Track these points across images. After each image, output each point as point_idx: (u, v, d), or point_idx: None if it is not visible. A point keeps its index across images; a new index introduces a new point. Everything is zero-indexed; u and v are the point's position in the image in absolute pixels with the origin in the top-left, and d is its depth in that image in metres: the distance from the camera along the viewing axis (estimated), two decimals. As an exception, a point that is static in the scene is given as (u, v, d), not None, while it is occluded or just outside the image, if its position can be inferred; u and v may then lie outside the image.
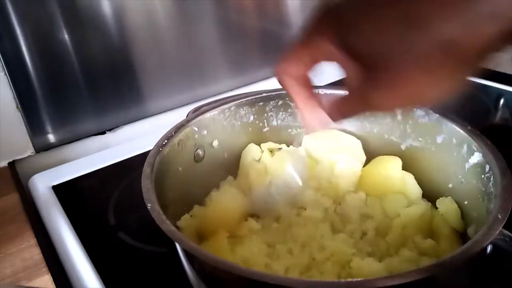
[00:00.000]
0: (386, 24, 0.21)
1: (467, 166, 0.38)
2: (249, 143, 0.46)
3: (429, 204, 0.40)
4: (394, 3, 0.21)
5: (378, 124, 0.45)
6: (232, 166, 0.45)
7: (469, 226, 0.36)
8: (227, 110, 0.44)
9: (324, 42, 0.24)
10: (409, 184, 0.41)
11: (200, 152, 0.43)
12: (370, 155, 0.45)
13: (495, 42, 0.19)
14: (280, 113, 0.47)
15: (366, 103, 0.24)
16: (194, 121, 0.42)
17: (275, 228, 0.40)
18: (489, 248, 0.29)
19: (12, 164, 0.56)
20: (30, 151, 0.56)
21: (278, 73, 0.27)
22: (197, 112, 0.43)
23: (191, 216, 0.39)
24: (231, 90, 0.64)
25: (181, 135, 0.40)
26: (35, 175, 0.54)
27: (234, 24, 0.62)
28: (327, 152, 0.44)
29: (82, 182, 0.53)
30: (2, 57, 0.51)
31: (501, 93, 0.59)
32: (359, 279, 0.24)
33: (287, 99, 0.46)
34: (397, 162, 0.42)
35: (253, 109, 0.46)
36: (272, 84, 0.65)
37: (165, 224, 0.29)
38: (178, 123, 0.41)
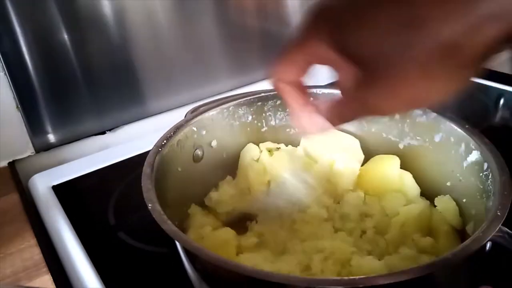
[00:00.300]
0: (384, 26, 0.20)
1: (465, 164, 0.38)
2: (247, 143, 0.46)
3: (428, 202, 0.40)
4: (392, 5, 0.20)
5: (376, 123, 0.45)
6: (231, 166, 0.45)
7: (467, 223, 0.36)
8: (225, 110, 0.44)
9: (319, 45, 0.23)
10: (408, 183, 0.41)
11: (199, 152, 0.43)
12: (369, 154, 0.45)
13: (495, 44, 0.19)
14: (279, 113, 0.47)
15: (365, 107, 0.23)
16: (193, 121, 0.42)
17: (275, 228, 0.39)
18: (488, 245, 0.29)
19: (12, 164, 0.55)
20: (30, 151, 0.56)
21: (273, 78, 0.27)
22: (196, 112, 0.43)
23: None
24: (231, 90, 0.64)
25: (180, 135, 0.40)
26: (35, 175, 0.53)
27: (234, 24, 0.62)
28: (325, 152, 0.44)
29: (82, 182, 0.52)
30: (2, 57, 0.50)
31: (501, 93, 0.59)
32: (361, 276, 0.23)
33: (285, 99, 0.46)
34: (395, 161, 0.42)
35: (252, 109, 0.45)
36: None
37: (167, 224, 0.29)
38: (177, 123, 0.41)
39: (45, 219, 0.46)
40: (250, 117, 0.46)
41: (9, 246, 0.42)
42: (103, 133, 0.59)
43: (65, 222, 0.45)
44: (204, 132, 0.43)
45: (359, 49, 0.22)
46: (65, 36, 0.52)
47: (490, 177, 0.34)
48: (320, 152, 0.44)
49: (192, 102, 0.60)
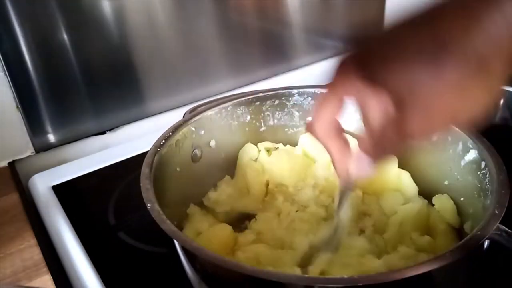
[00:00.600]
0: (411, 56, 0.21)
1: (462, 163, 0.37)
2: (246, 143, 0.46)
3: (426, 201, 0.40)
4: (414, 38, 0.21)
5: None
6: (229, 166, 0.45)
7: (465, 222, 0.36)
8: (224, 110, 0.44)
9: (350, 83, 0.24)
10: (405, 182, 0.41)
11: (197, 152, 0.42)
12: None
13: None
14: (277, 113, 0.47)
15: (404, 133, 0.23)
16: (191, 121, 0.42)
17: (273, 226, 0.39)
18: (486, 243, 0.29)
19: (12, 164, 0.55)
20: (30, 151, 0.55)
21: (311, 124, 0.27)
22: (194, 112, 0.43)
23: None
24: (231, 90, 0.64)
25: (178, 135, 0.40)
26: (35, 175, 0.53)
27: (234, 24, 0.61)
28: (323, 151, 0.43)
29: (82, 182, 0.52)
30: (2, 57, 0.50)
31: None
32: (361, 274, 0.23)
33: (283, 98, 0.46)
34: (393, 160, 0.42)
35: (250, 109, 0.45)
36: (272, 84, 0.65)
37: (166, 224, 0.29)
38: (176, 123, 0.41)
39: (45, 219, 0.46)
40: (248, 117, 0.45)
41: (9, 246, 0.42)
42: (103, 133, 0.59)
43: (65, 222, 0.45)
44: (202, 132, 0.42)
45: (390, 82, 0.22)
46: (65, 36, 0.52)
47: (487, 175, 0.34)
48: (318, 152, 0.44)
49: (192, 102, 0.60)
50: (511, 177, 0.32)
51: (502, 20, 0.19)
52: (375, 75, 0.23)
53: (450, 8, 0.21)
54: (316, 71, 0.70)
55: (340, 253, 0.33)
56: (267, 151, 0.45)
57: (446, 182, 0.40)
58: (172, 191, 0.37)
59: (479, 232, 0.28)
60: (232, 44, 0.63)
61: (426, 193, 0.41)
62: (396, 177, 0.41)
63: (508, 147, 0.35)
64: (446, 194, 0.39)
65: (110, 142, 0.59)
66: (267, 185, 0.43)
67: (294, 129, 0.47)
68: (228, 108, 0.44)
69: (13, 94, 0.52)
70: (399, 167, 0.42)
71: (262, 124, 0.46)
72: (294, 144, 0.47)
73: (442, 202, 0.38)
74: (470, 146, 0.37)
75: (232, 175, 0.45)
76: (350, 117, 0.29)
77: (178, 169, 0.39)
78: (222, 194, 0.42)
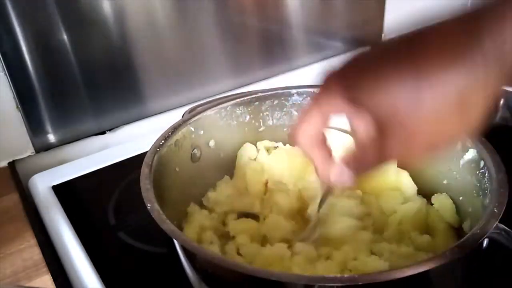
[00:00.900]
0: (395, 84, 0.22)
1: (461, 162, 0.37)
2: (245, 143, 0.45)
3: (425, 200, 0.40)
4: (399, 66, 0.21)
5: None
6: (228, 165, 0.45)
7: (464, 221, 0.36)
8: (223, 110, 0.44)
9: (335, 100, 0.24)
10: (404, 181, 0.41)
11: (196, 152, 0.42)
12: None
13: (499, 87, 0.20)
14: (276, 113, 0.46)
15: (383, 155, 0.24)
16: (190, 121, 0.41)
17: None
18: (485, 242, 0.28)
19: (12, 164, 0.54)
20: (30, 151, 0.55)
21: (294, 134, 0.27)
22: (193, 112, 0.43)
23: None
24: (231, 90, 0.63)
25: (177, 135, 0.40)
26: (35, 175, 0.52)
27: (234, 24, 0.61)
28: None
29: (82, 182, 0.52)
30: (2, 57, 0.49)
31: None
32: (360, 274, 0.23)
33: (282, 98, 0.46)
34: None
35: (249, 109, 0.45)
36: (272, 84, 0.65)
37: (166, 224, 0.28)
38: (175, 123, 0.41)
39: (45, 219, 0.46)
40: (247, 117, 0.45)
41: (9, 246, 0.41)
42: (103, 133, 0.59)
43: (65, 222, 0.44)
44: (201, 132, 0.42)
45: (372, 105, 0.23)
46: (65, 36, 0.51)
47: (486, 175, 0.33)
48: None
49: (192, 102, 0.60)
50: (510, 176, 0.32)
51: (481, 58, 0.20)
52: (358, 96, 0.23)
53: (433, 37, 0.21)
54: (316, 71, 0.69)
55: (340, 250, 0.33)
56: (267, 150, 0.45)
57: (445, 181, 0.39)
58: (172, 191, 0.37)
59: (478, 231, 0.27)
60: (232, 44, 0.62)
61: (425, 192, 0.41)
62: (395, 177, 0.41)
63: (507, 147, 0.35)
64: (445, 193, 0.39)
65: (110, 142, 0.59)
66: (266, 184, 0.43)
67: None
68: (227, 108, 0.44)
69: (13, 94, 0.52)
70: (398, 166, 0.42)
71: (261, 124, 0.46)
72: (293, 144, 0.46)
73: (441, 201, 0.38)
74: (469, 145, 0.36)
75: (231, 175, 0.45)
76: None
77: (177, 169, 0.39)
78: (222, 194, 0.42)
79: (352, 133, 0.25)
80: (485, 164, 0.34)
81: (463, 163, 0.37)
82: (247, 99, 0.45)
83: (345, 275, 0.23)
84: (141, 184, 0.32)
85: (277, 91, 0.46)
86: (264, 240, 0.37)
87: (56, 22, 0.50)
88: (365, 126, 0.23)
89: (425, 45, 0.21)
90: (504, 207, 0.29)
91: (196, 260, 0.30)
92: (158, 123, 0.60)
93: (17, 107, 0.52)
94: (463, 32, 0.20)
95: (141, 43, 0.56)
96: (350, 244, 0.33)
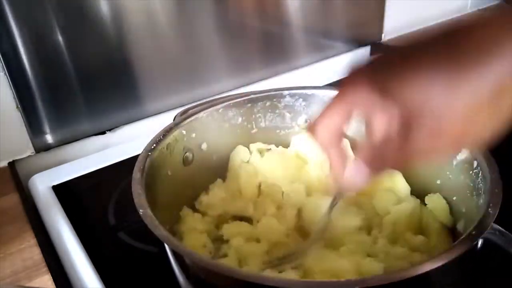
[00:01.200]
0: (428, 77, 0.21)
1: (454, 162, 0.37)
2: (237, 145, 0.44)
3: (418, 200, 0.39)
4: (433, 59, 0.20)
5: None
6: (221, 168, 0.44)
7: (458, 221, 0.36)
8: (215, 112, 0.43)
9: (361, 93, 0.23)
10: (398, 182, 0.40)
11: (189, 155, 0.41)
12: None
13: None
14: (268, 114, 0.45)
15: (407, 151, 0.22)
16: (182, 124, 0.40)
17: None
18: (480, 243, 0.28)
19: (12, 164, 0.53)
20: (30, 151, 0.54)
21: (314, 128, 0.26)
22: (185, 115, 0.42)
23: None
24: (231, 90, 0.62)
25: (169, 138, 0.39)
26: (35, 175, 0.51)
27: (234, 24, 0.60)
28: (316, 152, 0.42)
29: (82, 182, 0.51)
30: (2, 57, 0.48)
31: None
32: (357, 278, 0.22)
33: (274, 100, 0.45)
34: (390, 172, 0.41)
35: (241, 111, 0.44)
36: (272, 84, 0.64)
37: (159, 230, 0.28)
38: (166, 127, 0.39)
39: (45, 219, 0.45)
40: (240, 119, 0.44)
41: (9, 246, 0.40)
42: (103, 133, 0.58)
43: (65, 222, 0.43)
44: (193, 135, 0.41)
45: (402, 97, 0.21)
46: (63, 37, 0.50)
47: (480, 175, 0.33)
48: (310, 153, 0.43)
49: (192, 102, 0.59)
50: (504, 177, 0.31)
51: None
52: (387, 88, 0.22)
53: (470, 30, 0.20)
54: (316, 71, 0.68)
55: (336, 253, 0.32)
56: (260, 152, 0.44)
57: (438, 182, 0.39)
58: (164, 195, 0.36)
59: (474, 232, 0.27)
60: (232, 44, 0.61)
61: (418, 192, 0.40)
62: (388, 177, 0.41)
63: (503, 146, 0.34)
64: (438, 193, 0.38)
65: (110, 142, 0.58)
66: (259, 187, 0.42)
67: (286, 130, 0.46)
68: (220, 110, 0.43)
69: (13, 94, 0.51)
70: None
71: (254, 126, 0.45)
72: (286, 145, 0.45)
73: (435, 202, 0.37)
74: (462, 146, 0.36)
75: (224, 178, 0.44)
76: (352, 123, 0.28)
77: (169, 172, 0.38)
78: (214, 198, 0.41)
79: (370, 129, 0.24)
80: (478, 164, 0.34)
81: (456, 163, 0.37)
82: (239, 101, 0.44)
83: (342, 280, 0.22)
84: (133, 189, 0.32)
85: (269, 93, 0.45)
86: (258, 243, 0.36)
87: (54, 23, 0.49)
88: (389, 120, 0.22)
89: (462, 37, 0.20)
90: (499, 208, 0.28)
91: (189, 267, 0.29)
92: (158, 123, 0.59)
93: (17, 107, 0.51)
94: (500, 27, 0.20)
95: (141, 43, 0.55)
96: (349, 246, 0.33)
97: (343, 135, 0.26)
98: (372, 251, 0.34)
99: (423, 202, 0.39)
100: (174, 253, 0.30)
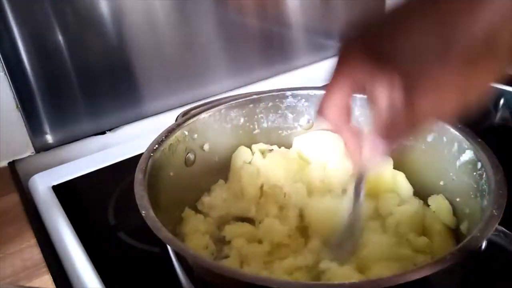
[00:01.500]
0: (419, 29, 0.20)
1: (458, 163, 0.36)
2: (239, 146, 0.44)
3: (421, 202, 0.39)
4: (421, 12, 0.20)
5: (368, 124, 0.44)
6: (223, 169, 0.43)
7: (461, 222, 0.35)
8: (217, 113, 0.42)
9: (360, 65, 0.23)
10: (401, 183, 0.40)
11: (191, 156, 0.41)
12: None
13: None
14: (270, 115, 0.45)
15: (415, 115, 0.22)
16: (184, 125, 0.40)
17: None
18: (484, 244, 0.28)
19: (12, 164, 0.53)
20: (30, 151, 0.54)
21: (321, 108, 0.25)
22: (187, 116, 0.41)
23: None
24: (231, 90, 0.62)
25: (171, 139, 0.38)
26: (35, 175, 0.51)
27: (234, 24, 0.60)
28: (318, 153, 0.42)
29: (82, 182, 0.50)
30: (2, 58, 0.48)
31: (501, 93, 0.57)
32: (363, 280, 0.22)
33: (277, 100, 0.45)
34: (388, 161, 0.41)
35: (243, 111, 0.44)
36: (272, 84, 0.64)
37: (162, 232, 0.27)
38: (168, 127, 0.39)
39: (45, 219, 0.45)
40: (242, 120, 0.44)
41: (9, 246, 0.40)
42: (103, 133, 0.58)
43: (65, 222, 0.43)
44: (195, 136, 0.41)
45: (398, 59, 0.21)
46: (63, 37, 0.50)
47: (484, 176, 0.33)
48: (313, 153, 0.43)
49: (192, 102, 0.59)
50: (509, 178, 0.31)
51: None
52: (381, 53, 0.21)
53: None
54: (316, 71, 0.68)
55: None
56: (262, 153, 0.44)
57: (441, 183, 0.39)
58: (166, 196, 0.36)
59: (478, 234, 0.27)
60: (232, 44, 0.61)
61: (422, 193, 0.40)
62: (391, 178, 0.40)
63: (507, 147, 0.34)
64: (441, 194, 0.38)
65: (110, 142, 0.58)
66: (261, 187, 0.42)
67: (288, 131, 0.46)
68: (222, 111, 0.42)
69: (13, 94, 0.50)
70: (394, 168, 0.41)
71: (256, 127, 0.45)
72: (288, 146, 0.45)
73: (438, 203, 0.37)
74: (466, 146, 0.36)
75: (226, 179, 0.43)
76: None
77: (171, 173, 0.38)
78: (216, 199, 0.41)
79: (375, 101, 0.23)
80: (482, 166, 0.33)
81: (460, 164, 0.36)
82: (241, 101, 0.43)
83: (347, 282, 0.22)
84: (135, 190, 0.31)
85: (271, 93, 0.44)
86: (259, 244, 0.36)
87: (54, 24, 0.49)
88: (390, 85, 0.22)
89: None
90: (503, 209, 0.28)
91: (192, 268, 0.29)
92: (158, 123, 0.59)
93: (17, 107, 0.51)
94: None
95: (141, 44, 0.55)
96: (367, 249, 0.32)
97: (351, 110, 0.25)
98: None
99: (426, 203, 0.38)
100: (177, 254, 0.29)
